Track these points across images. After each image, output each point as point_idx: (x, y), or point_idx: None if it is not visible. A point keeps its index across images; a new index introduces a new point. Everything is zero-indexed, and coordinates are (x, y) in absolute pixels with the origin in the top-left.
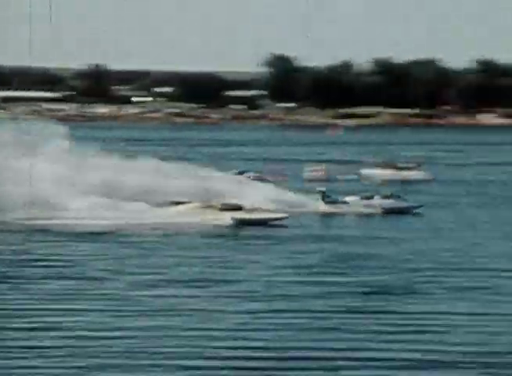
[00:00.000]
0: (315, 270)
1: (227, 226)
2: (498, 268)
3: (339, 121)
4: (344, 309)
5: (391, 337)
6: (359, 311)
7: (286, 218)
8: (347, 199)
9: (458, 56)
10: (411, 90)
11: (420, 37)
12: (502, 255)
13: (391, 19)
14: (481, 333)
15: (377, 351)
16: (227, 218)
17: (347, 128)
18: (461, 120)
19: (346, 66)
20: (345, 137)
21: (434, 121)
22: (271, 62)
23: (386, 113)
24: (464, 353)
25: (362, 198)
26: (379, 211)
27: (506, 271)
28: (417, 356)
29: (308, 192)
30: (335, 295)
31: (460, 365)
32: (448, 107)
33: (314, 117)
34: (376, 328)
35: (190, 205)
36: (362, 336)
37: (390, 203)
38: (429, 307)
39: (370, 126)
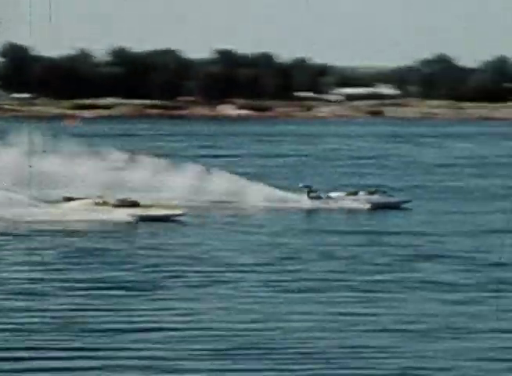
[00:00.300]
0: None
1: (122, 223)
2: (239, 262)
3: (76, 112)
4: (82, 306)
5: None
6: (97, 309)
7: (184, 215)
8: (332, 194)
9: (201, 47)
10: (151, 81)
11: (158, 27)
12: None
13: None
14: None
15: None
16: (121, 214)
17: (85, 120)
18: (202, 111)
19: (84, 56)
20: (84, 129)
21: (176, 112)
22: (5, 51)
23: (125, 105)
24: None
25: (347, 194)
26: (367, 206)
27: (246, 265)
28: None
29: None
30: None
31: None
32: (191, 98)
33: (50, 107)
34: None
35: (83, 201)
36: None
37: (377, 198)
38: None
39: (109, 117)
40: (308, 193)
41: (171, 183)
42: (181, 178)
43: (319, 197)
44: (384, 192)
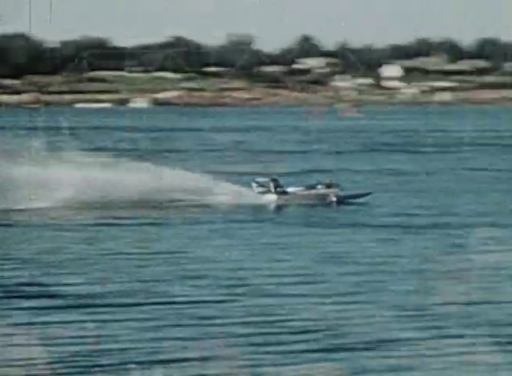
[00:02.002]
0: None
1: None
2: None
3: None
4: None
5: None
6: None
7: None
8: (290, 189)
9: None
10: None
11: None
12: None
13: None
14: None
15: None
16: None
17: None
18: None
19: None
20: None
21: None
22: None
23: None
24: None
25: (306, 188)
26: (333, 200)
27: None
28: None
29: None
30: None
31: None
32: None
33: None
34: None
35: None
36: None
37: (338, 191)
38: None
39: None
40: (275, 187)
41: None
42: None
43: (285, 192)
44: (338, 185)
